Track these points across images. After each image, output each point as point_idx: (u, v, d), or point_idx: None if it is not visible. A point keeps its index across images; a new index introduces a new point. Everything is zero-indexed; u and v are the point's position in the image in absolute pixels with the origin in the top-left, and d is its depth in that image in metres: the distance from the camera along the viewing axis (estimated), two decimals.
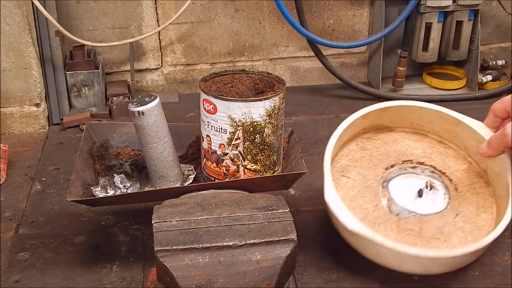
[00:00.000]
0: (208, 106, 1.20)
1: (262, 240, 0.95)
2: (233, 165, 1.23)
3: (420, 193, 1.21)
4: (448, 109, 1.27)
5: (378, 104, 1.28)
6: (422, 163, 1.27)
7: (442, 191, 1.22)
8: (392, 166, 1.27)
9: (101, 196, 1.21)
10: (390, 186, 1.23)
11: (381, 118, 1.30)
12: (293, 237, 0.96)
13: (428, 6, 1.82)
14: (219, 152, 1.23)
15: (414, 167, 1.26)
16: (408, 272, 1.12)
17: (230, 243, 0.94)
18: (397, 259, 1.08)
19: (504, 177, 1.15)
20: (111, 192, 1.23)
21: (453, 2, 1.83)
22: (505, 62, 2.02)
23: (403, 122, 1.32)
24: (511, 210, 1.10)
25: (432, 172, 1.26)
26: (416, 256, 1.05)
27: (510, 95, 1.14)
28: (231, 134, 1.20)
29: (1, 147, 1.51)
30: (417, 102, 1.29)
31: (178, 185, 1.27)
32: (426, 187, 1.22)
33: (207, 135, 1.24)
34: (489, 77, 1.95)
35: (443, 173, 1.25)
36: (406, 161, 1.28)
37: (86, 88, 1.81)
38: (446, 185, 1.23)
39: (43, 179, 1.49)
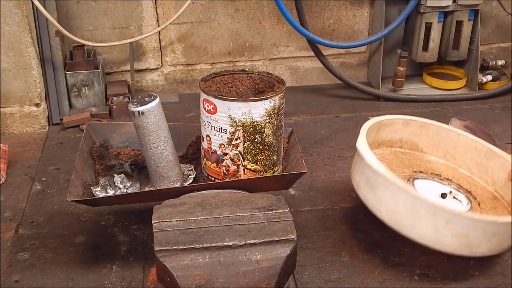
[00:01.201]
0: (208, 106, 1.20)
1: (262, 240, 0.95)
2: (233, 165, 1.23)
3: (443, 196, 1.24)
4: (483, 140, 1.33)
5: (420, 118, 1.32)
6: (450, 180, 1.30)
7: (465, 202, 1.25)
8: (420, 172, 1.30)
9: (101, 196, 1.21)
10: (415, 182, 1.26)
11: (420, 135, 1.34)
12: (293, 237, 0.96)
13: (428, 6, 1.82)
14: (219, 152, 1.23)
15: (441, 179, 1.30)
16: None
17: (230, 243, 0.94)
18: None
19: None
20: (111, 192, 1.23)
21: (453, 2, 1.83)
22: (505, 62, 2.02)
23: (438, 150, 1.35)
24: None
25: (458, 188, 1.29)
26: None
27: None
28: (231, 134, 1.20)
29: (1, 147, 1.51)
30: (458, 130, 1.34)
31: (178, 185, 1.27)
32: (450, 192, 1.25)
33: (207, 135, 1.23)
34: (489, 77, 1.95)
35: (469, 192, 1.29)
36: (435, 174, 1.31)
37: (86, 88, 1.81)
38: (470, 200, 1.26)
39: (43, 179, 1.49)
